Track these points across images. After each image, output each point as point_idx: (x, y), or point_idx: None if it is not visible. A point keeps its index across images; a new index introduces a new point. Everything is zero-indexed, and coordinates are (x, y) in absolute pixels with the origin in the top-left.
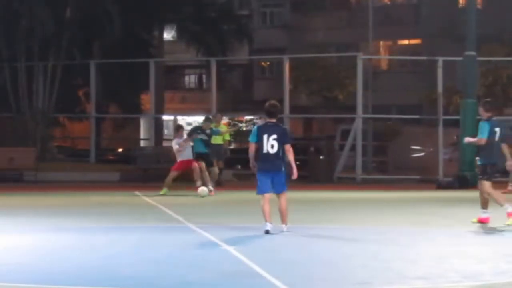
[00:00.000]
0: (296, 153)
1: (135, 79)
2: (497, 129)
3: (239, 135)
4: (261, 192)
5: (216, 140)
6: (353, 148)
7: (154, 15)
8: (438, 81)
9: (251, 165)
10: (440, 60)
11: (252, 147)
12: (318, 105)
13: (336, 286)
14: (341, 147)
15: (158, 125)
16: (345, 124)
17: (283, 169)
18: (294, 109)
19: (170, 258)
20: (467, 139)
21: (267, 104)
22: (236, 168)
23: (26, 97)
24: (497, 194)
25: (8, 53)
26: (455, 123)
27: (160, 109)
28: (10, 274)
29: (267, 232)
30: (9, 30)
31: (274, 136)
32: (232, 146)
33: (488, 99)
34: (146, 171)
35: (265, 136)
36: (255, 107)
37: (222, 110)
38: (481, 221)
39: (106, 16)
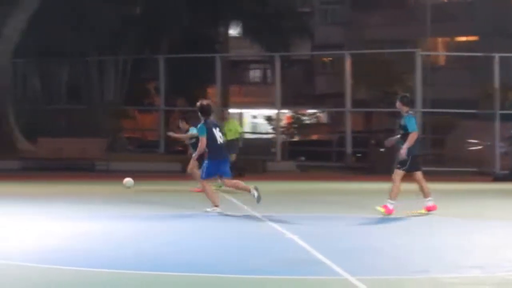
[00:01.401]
0: (357, 145)
1: (201, 74)
2: None
3: (303, 128)
4: None
5: (231, 134)
6: None
7: (220, 12)
8: (494, 76)
9: None
10: (497, 56)
11: None
12: (377, 100)
13: (395, 273)
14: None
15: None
16: None
17: None
18: (354, 103)
19: (234, 246)
20: None
21: None
22: (299, 159)
23: (97, 90)
24: None
25: (80, 48)
26: (511, 118)
27: (226, 103)
28: (79, 259)
29: None
30: (82, 26)
31: None
32: (296, 139)
33: None
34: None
35: None
36: (316, 101)
37: (285, 104)
38: None
39: (174, 13)
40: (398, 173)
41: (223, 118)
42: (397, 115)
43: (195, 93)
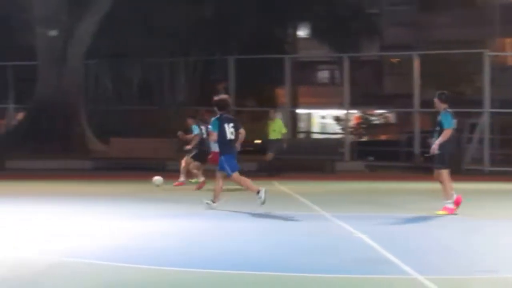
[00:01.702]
0: (425, 145)
1: (271, 74)
2: None
3: (371, 128)
4: None
5: (274, 134)
6: (480, 141)
7: (289, 13)
8: None
9: None
10: None
11: None
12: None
13: (464, 273)
14: (469, 140)
15: (293, 118)
16: (472, 118)
17: None
18: (422, 103)
19: (304, 245)
20: None
21: None
22: (368, 159)
23: (168, 91)
24: None
25: (152, 49)
26: None
27: (295, 103)
28: (152, 257)
29: None
30: (153, 28)
31: None
32: (364, 139)
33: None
34: (281, 161)
35: None
36: (384, 101)
37: (353, 104)
38: None
39: (244, 14)
40: (443, 173)
41: (271, 118)
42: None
43: (264, 93)
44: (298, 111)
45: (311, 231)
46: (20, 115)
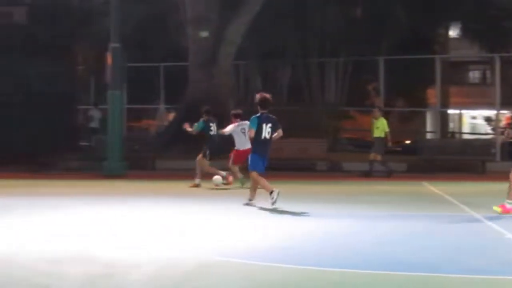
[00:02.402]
0: None
1: (421, 75)
2: None
3: None
4: None
5: (377, 132)
6: None
7: (439, 14)
8: None
9: None
10: None
11: None
12: None
13: None
14: None
15: (443, 119)
16: None
17: None
18: None
19: (454, 246)
20: None
21: None
22: None
23: (318, 91)
24: None
25: (302, 50)
26: None
27: (445, 103)
28: (304, 257)
29: None
30: (304, 28)
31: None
32: None
33: None
34: (432, 162)
35: None
36: None
37: (504, 104)
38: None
39: (394, 14)
40: None
41: (375, 116)
42: None
43: (414, 94)
44: (449, 111)
45: (460, 232)
46: (171, 116)
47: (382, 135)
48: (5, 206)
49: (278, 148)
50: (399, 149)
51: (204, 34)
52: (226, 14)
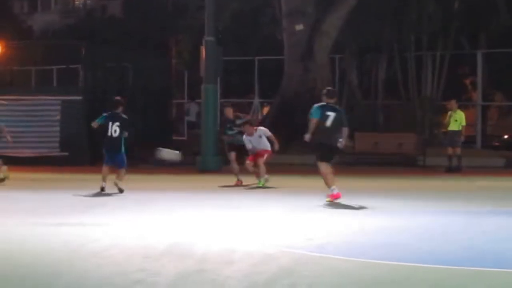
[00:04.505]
0: None
1: None
2: None
3: None
4: None
5: (455, 125)
6: None
7: None
8: None
9: None
10: None
11: None
12: None
13: None
14: None
15: None
16: None
17: None
18: None
19: None
20: None
21: None
22: None
23: (414, 85)
24: None
25: (398, 44)
26: None
27: None
28: (398, 253)
29: None
30: (401, 22)
31: None
32: None
33: None
34: None
35: None
36: None
37: None
38: None
39: (493, 7)
40: None
41: (451, 108)
42: None
43: None
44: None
45: None
46: (265, 110)
47: (459, 128)
48: (104, 202)
49: (373, 143)
50: (497, 143)
51: (300, 27)
52: (322, 8)
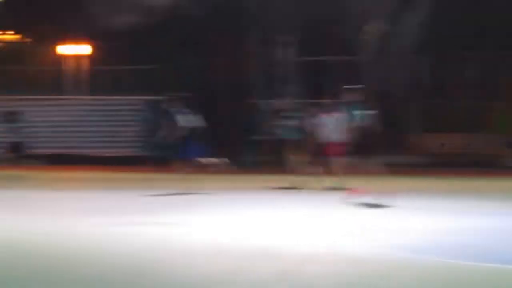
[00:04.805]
0: None
1: None
2: None
3: None
4: None
5: None
6: None
7: None
8: None
9: None
10: None
11: None
12: None
13: None
14: None
15: None
16: None
17: None
18: None
19: None
20: None
21: None
22: None
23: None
24: None
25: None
26: None
27: None
28: (478, 254)
29: None
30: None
31: None
32: None
33: None
34: None
35: None
36: None
37: None
38: None
39: None
40: None
41: None
42: None
43: None
44: None
45: None
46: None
47: None
48: (189, 202)
49: (439, 144)
50: None
51: (375, 28)
52: (399, 8)
